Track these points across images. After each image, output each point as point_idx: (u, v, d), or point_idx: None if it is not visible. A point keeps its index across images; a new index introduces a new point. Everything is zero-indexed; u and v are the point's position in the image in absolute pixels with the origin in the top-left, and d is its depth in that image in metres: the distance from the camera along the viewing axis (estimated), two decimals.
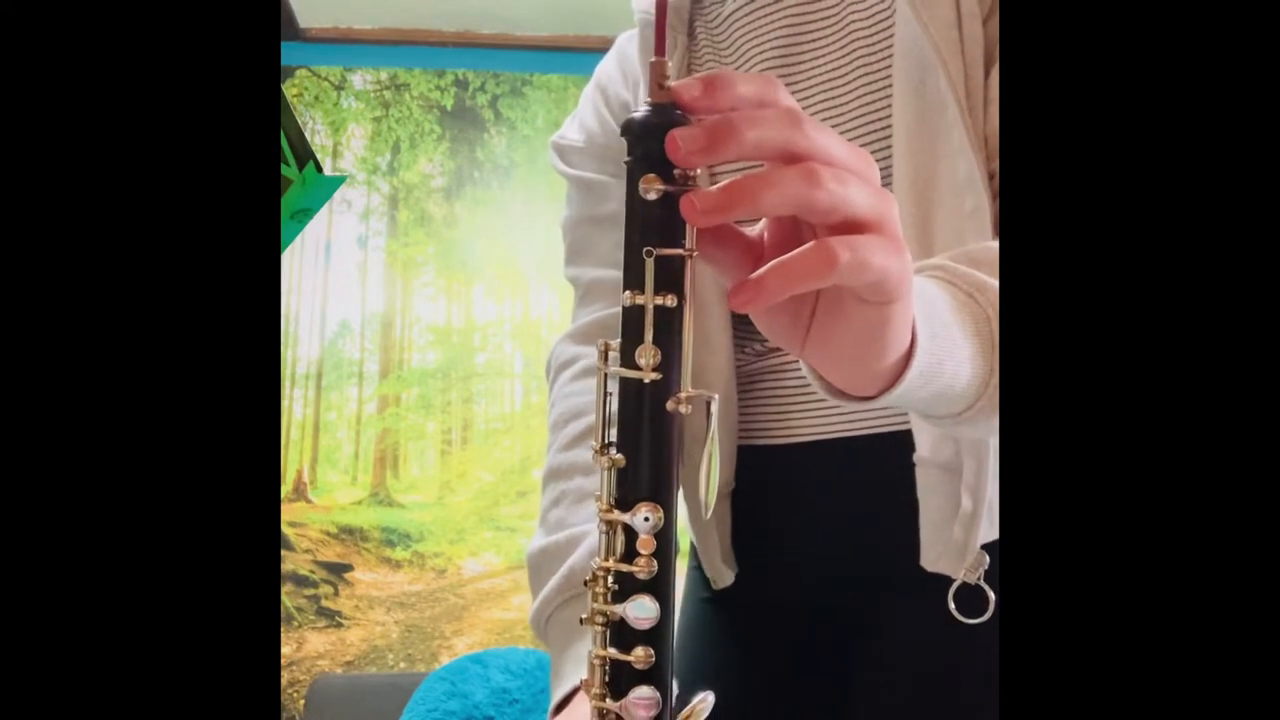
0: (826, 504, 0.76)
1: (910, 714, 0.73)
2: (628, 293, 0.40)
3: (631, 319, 0.41)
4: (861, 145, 0.51)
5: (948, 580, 0.70)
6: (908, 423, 0.73)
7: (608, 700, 0.41)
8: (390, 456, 2.62)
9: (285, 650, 2.47)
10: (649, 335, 0.40)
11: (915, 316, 0.46)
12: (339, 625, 2.53)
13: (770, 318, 0.46)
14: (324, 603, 2.54)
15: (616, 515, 0.41)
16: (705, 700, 0.42)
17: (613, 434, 0.42)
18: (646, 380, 0.40)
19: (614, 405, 0.42)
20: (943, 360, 0.50)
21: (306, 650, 2.50)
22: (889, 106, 0.72)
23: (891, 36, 0.73)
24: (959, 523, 0.68)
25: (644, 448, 0.41)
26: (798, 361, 0.80)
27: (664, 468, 0.41)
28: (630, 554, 0.41)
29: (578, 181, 0.88)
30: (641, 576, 0.41)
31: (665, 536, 0.41)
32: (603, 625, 0.41)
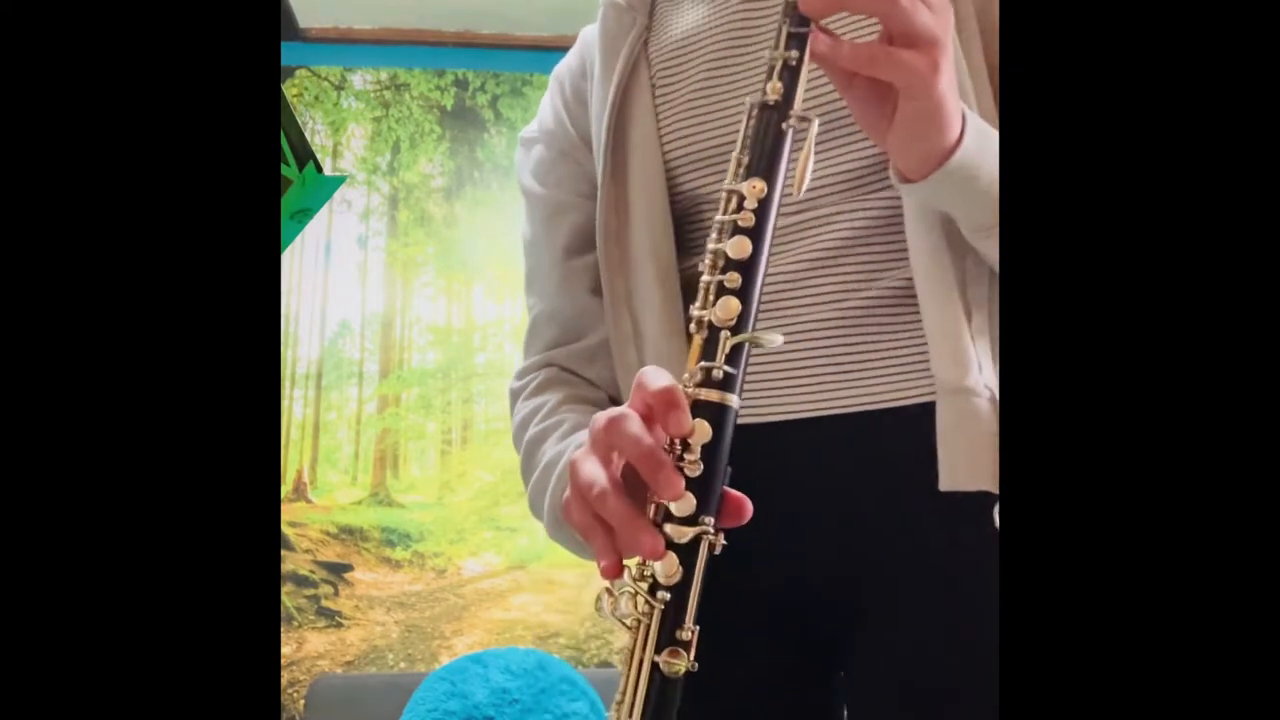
0: (814, 482, 0.75)
1: (905, 698, 0.73)
2: (767, 52, 0.58)
3: (771, 67, 0.57)
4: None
5: (945, 553, 0.71)
6: (895, 400, 0.73)
7: (705, 310, 0.54)
8: (390, 456, 2.62)
9: (285, 650, 2.47)
10: (776, 70, 0.57)
11: (967, 131, 0.62)
12: (339, 625, 2.53)
13: (863, 107, 0.61)
14: (324, 603, 2.54)
15: (734, 185, 0.56)
16: (777, 338, 0.53)
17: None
18: (770, 101, 0.56)
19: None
20: (982, 161, 0.63)
21: (306, 650, 2.50)
22: None
23: None
24: None
25: (760, 148, 0.56)
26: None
27: (772, 160, 0.56)
28: (739, 209, 0.55)
29: (529, 196, 0.89)
30: (743, 224, 0.55)
31: (766, 202, 0.55)
32: (712, 258, 0.55)
